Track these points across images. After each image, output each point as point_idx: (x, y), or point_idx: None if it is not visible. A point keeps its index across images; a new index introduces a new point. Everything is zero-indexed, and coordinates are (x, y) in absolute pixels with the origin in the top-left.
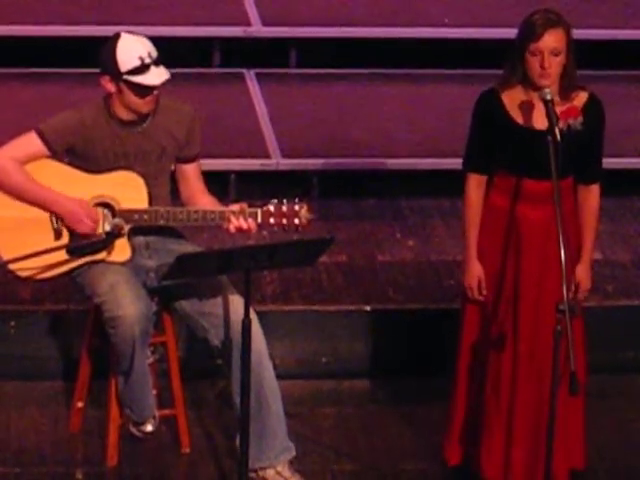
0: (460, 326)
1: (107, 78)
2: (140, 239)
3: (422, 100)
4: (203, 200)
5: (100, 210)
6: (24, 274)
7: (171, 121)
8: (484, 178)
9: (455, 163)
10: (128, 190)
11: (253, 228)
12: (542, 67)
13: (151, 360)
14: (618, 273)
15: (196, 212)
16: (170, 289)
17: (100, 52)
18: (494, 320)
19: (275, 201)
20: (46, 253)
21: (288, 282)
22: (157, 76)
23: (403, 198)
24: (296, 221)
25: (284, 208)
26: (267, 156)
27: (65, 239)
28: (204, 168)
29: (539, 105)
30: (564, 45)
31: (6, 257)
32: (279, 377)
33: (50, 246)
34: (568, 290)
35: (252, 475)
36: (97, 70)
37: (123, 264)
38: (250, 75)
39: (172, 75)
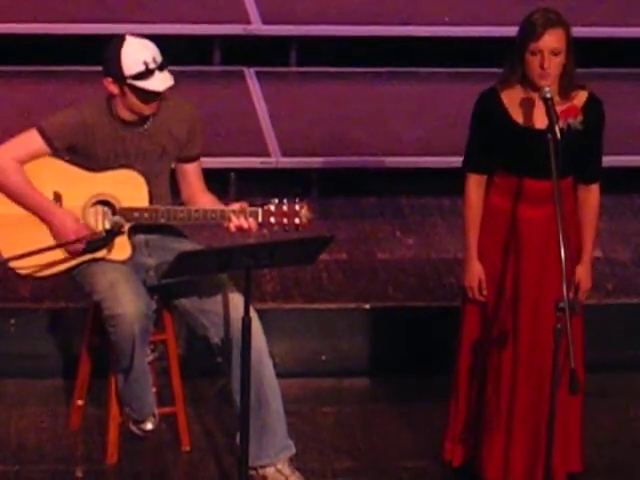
0: (460, 326)
1: (110, 80)
2: (140, 237)
3: (422, 98)
4: (204, 199)
5: (100, 208)
6: (24, 272)
7: (172, 121)
8: (484, 178)
9: (455, 161)
10: (129, 188)
11: (254, 227)
12: (542, 67)
13: (151, 358)
14: (618, 271)
15: (197, 211)
16: (170, 287)
17: (104, 53)
18: (494, 320)
19: (276, 200)
20: (46, 251)
21: (288, 280)
22: (161, 82)
23: (403, 196)
24: (297, 220)
25: (285, 207)
26: (267, 154)
27: None
28: (204, 166)
29: (539, 104)
30: (564, 45)
31: (6, 255)
32: (279, 375)
33: (50, 244)
34: (568, 288)
35: (252, 473)
36: (97, 68)
37: (123, 262)
38: (250, 73)
39: (172, 73)
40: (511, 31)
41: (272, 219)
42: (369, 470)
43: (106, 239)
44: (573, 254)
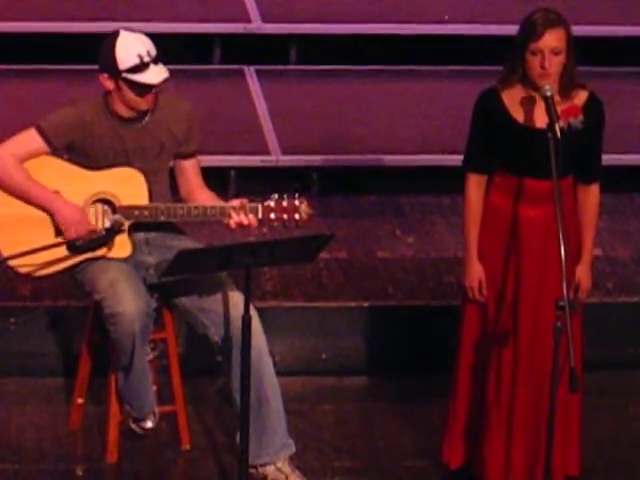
0: (460, 326)
1: (106, 76)
2: (140, 235)
3: (422, 97)
4: (202, 196)
5: (100, 207)
6: (24, 270)
7: (170, 118)
8: (484, 177)
9: (455, 160)
10: (128, 186)
11: (254, 223)
12: (542, 67)
13: (151, 356)
14: (618, 270)
15: (196, 208)
16: (170, 285)
17: (99, 50)
18: (494, 320)
19: (275, 196)
20: (46, 249)
21: (288, 279)
22: (156, 75)
23: (403, 195)
24: (296, 216)
25: (284, 203)
26: (267, 152)
27: (65, 236)
28: (204, 164)
29: (539, 104)
30: (564, 44)
31: (6, 253)
32: (279, 374)
33: (50, 242)
34: (568, 287)
35: (252, 471)
36: (96, 66)
37: (123, 260)
38: (250, 71)
39: (172, 71)
40: (511, 29)
41: (272, 215)
42: (369, 469)
43: (106, 237)
44: (573, 253)
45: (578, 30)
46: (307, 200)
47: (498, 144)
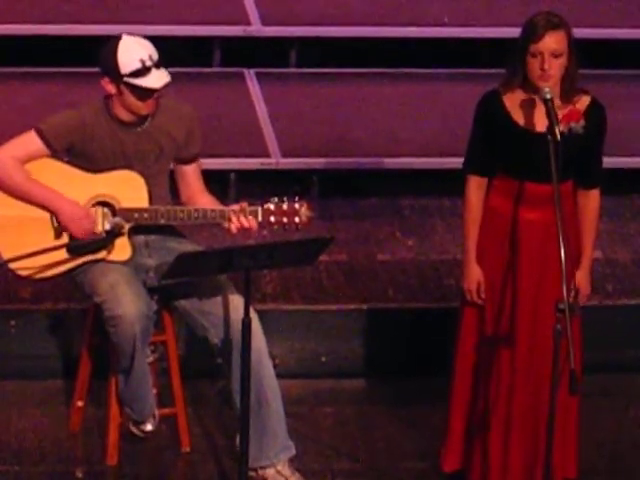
0: (458, 328)
1: (107, 80)
2: (140, 238)
3: (422, 99)
4: (203, 200)
5: (100, 209)
6: (24, 273)
7: (170, 122)
8: (484, 180)
9: (455, 162)
10: (128, 189)
11: (254, 226)
12: (542, 69)
13: (151, 359)
14: (618, 272)
15: (197, 211)
16: (170, 288)
17: (101, 53)
18: (493, 322)
19: (275, 199)
20: (46, 252)
21: (288, 281)
22: (158, 79)
23: (403, 197)
24: (296, 219)
25: (284, 206)
26: (267, 155)
27: (65, 238)
28: (204, 167)
29: (540, 107)
30: (565, 47)
31: (6, 256)
32: (279, 376)
33: (50, 245)
34: (568, 290)
35: (252, 474)
36: (97, 69)
37: (123, 263)
38: (250, 74)
39: (172, 74)
40: (511, 32)
41: (272, 218)
42: (368, 471)
43: (106, 240)
44: (573, 257)
45: (577, 32)
46: (307, 203)
47: (499, 147)
